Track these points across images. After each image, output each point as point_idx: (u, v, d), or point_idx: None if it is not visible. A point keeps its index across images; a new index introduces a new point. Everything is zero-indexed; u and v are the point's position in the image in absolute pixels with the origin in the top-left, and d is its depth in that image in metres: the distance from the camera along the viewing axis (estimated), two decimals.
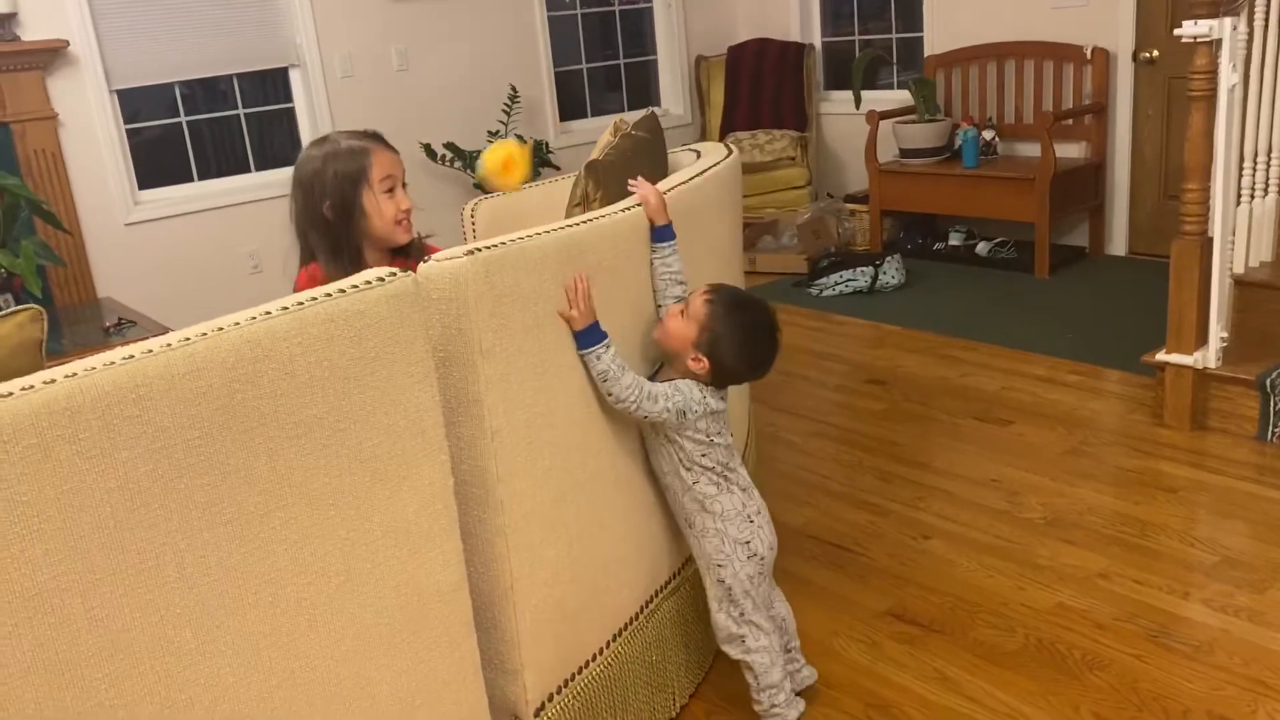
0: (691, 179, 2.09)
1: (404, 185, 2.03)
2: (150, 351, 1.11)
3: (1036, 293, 4.66)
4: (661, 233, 1.88)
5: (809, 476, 3.04)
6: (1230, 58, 2.82)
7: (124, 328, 3.56)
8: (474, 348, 1.49)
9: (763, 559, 1.88)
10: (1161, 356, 3.11)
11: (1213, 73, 2.86)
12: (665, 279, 1.90)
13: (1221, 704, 1.95)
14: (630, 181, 1.92)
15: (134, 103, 4.68)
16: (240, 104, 4.98)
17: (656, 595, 1.99)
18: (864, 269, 4.91)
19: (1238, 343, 3.07)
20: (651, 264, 1.90)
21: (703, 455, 1.83)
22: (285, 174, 5.10)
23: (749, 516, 1.87)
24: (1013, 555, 2.53)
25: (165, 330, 3.58)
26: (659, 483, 1.93)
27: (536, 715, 1.68)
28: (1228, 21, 2.78)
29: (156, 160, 4.80)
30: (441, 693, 1.48)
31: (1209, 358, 3.03)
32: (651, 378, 1.84)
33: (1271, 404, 2.92)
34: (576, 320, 1.67)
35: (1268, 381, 2.93)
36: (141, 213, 4.66)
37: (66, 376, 1.06)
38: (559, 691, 1.72)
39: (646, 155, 2.38)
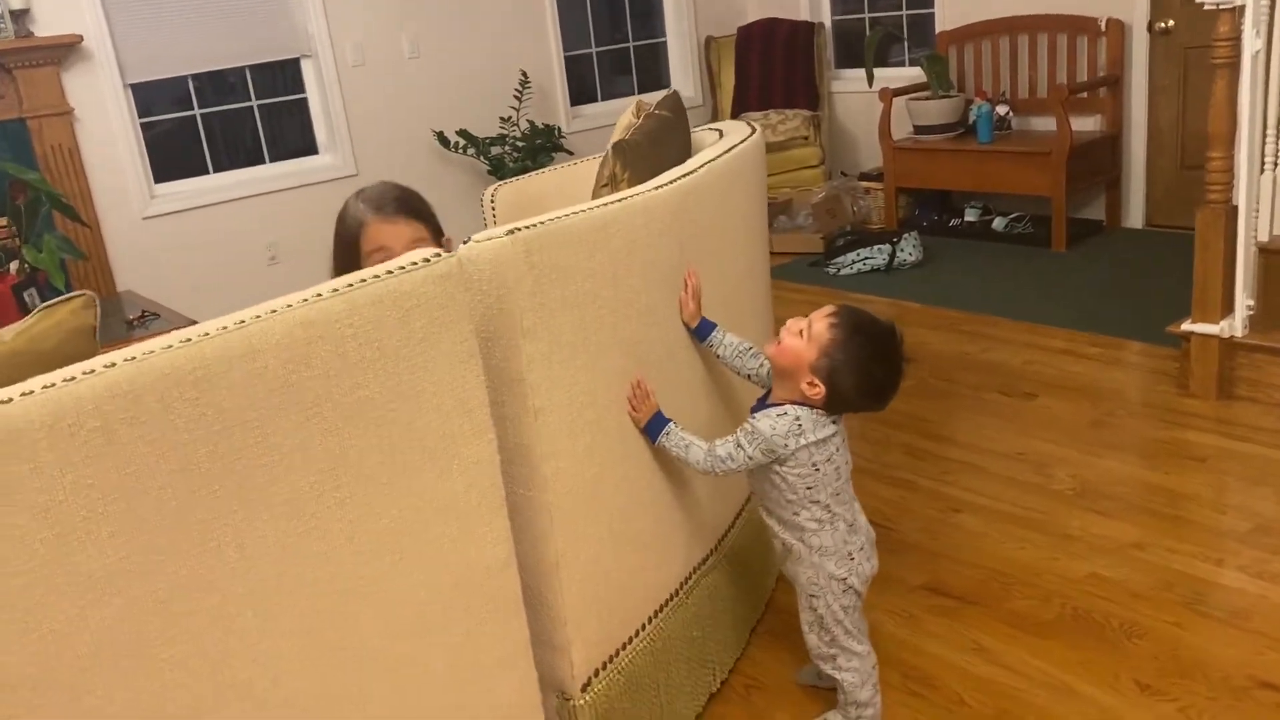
0: (719, 157, 2.08)
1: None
2: (207, 334, 1.12)
3: (1055, 266, 4.65)
4: (702, 328, 1.89)
5: None
6: (1254, 24, 2.80)
7: (147, 320, 3.58)
8: (516, 327, 1.50)
9: (859, 592, 1.82)
10: (1187, 326, 3.11)
11: (1236, 39, 2.84)
12: (737, 355, 1.89)
13: (1263, 669, 1.96)
14: (688, 274, 1.87)
15: (147, 97, 4.69)
16: (253, 95, 4.98)
17: (696, 571, 1.99)
18: (881, 247, 4.90)
19: (1263, 311, 3.06)
20: (717, 355, 1.91)
21: (808, 488, 1.73)
22: (300, 165, 5.17)
23: (849, 554, 1.78)
24: (1044, 527, 2.53)
25: (189, 322, 3.60)
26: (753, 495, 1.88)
27: (583, 690, 1.70)
28: None
29: (171, 154, 4.81)
30: (494, 670, 1.49)
31: (1235, 326, 3.02)
32: (762, 399, 1.80)
33: None
34: (640, 420, 1.73)
35: None
36: (158, 206, 4.68)
37: (126, 360, 1.07)
38: (604, 667, 1.74)
39: (672, 134, 2.38)
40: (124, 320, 3.60)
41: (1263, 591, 2.18)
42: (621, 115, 2.75)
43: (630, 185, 2.14)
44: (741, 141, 2.26)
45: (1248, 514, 2.49)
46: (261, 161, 5.05)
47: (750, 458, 1.71)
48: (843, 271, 4.93)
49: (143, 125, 4.66)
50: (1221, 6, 2.82)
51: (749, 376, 1.90)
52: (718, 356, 1.92)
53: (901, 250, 4.88)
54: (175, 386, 1.09)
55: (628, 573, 1.78)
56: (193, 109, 4.83)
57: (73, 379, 1.03)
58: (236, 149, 5.01)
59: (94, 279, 4.46)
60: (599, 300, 1.65)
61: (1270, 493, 2.58)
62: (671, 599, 1.91)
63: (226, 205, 4.87)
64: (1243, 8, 2.81)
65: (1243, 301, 3.00)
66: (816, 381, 1.68)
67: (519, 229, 1.49)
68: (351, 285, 1.26)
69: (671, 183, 1.85)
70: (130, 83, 4.55)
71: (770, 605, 2.32)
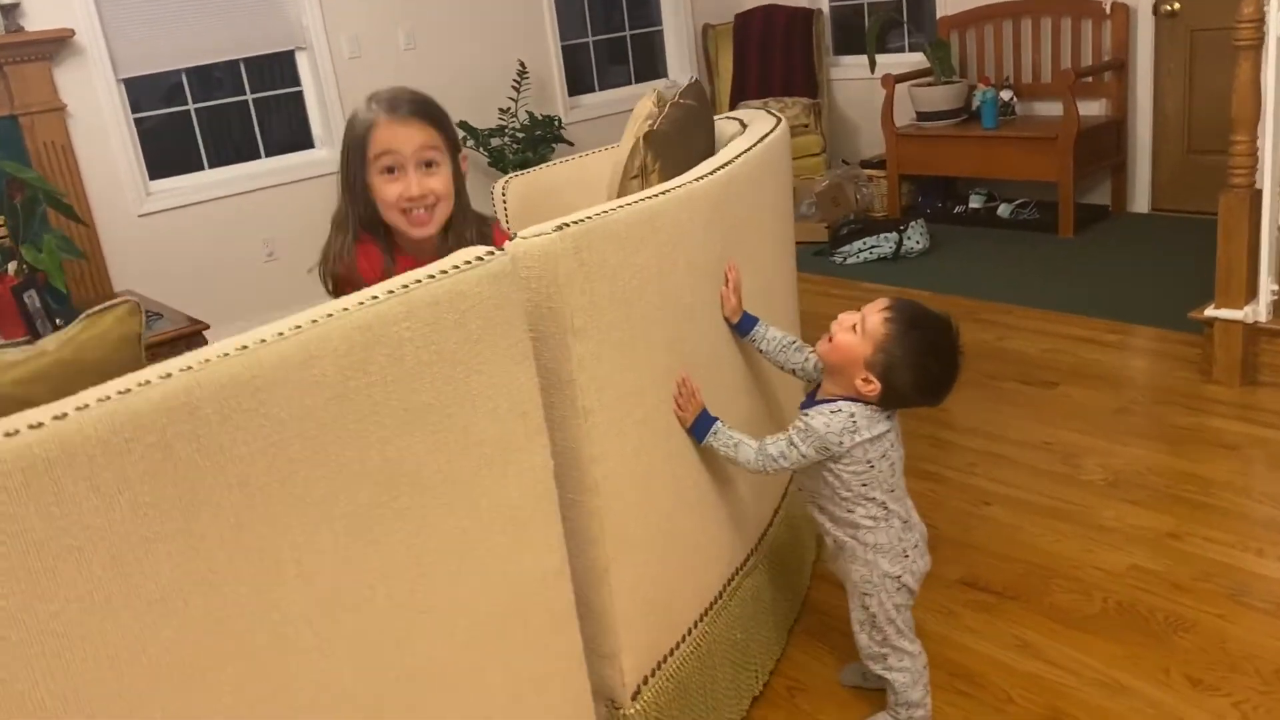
0: (753, 146, 2.03)
1: (431, 164, 1.74)
2: (263, 341, 1.07)
3: (1063, 253, 4.62)
4: (744, 323, 1.85)
5: None
6: None
7: (151, 320, 3.50)
8: (566, 326, 1.44)
9: (913, 590, 1.78)
10: (1210, 312, 3.07)
11: (1260, 21, 2.80)
12: (781, 350, 1.85)
13: None
14: (728, 268, 1.82)
15: (139, 92, 4.60)
16: (248, 89, 4.90)
17: (738, 572, 1.95)
18: (888, 235, 4.86)
19: None
20: (760, 350, 1.87)
21: (863, 484, 1.69)
22: (296, 159, 5.09)
23: (904, 551, 1.74)
24: (1077, 518, 2.50)
25: (191, 321, 3.52)
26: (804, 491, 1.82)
27: (633, 699, 1.65)
28: None
29: (165, 150, 4.72)
30: (548, 680, 1.44)
31: (1260, 311, 2.99)
32: (811, 395, 1.76)
33: None
34: (687, 419, 1.68)
35: None
36: (154, 203, 4.59)
37: (182, 370, 1.01)
38: (653, 674, 1.69)
39: (698, 124, 2.33)
40: None
41: None
42: (639, 104, 2.67)
43: (661, 176, 2.09)
44: (771, 131, 2.20)
45: None
46: (257, 156, 4.97)
47: (804, 456, 1.66)
48: (849, 260, 4.89)
49: (136, 121, 4.57)
50: None
51: (794, 371, 1.85)
52: (761, 351, 1.87)
53: (909, 238, 4.84)
54: (233, 397, 1.03)
55: (675, 576, 1.73)
56: (186, 104, 4.75)
57: (127, 391, 0.98)
58: (231, 144, 4.92)
59: (91, 278, 4.38)
60: (645, 297, 1.60)
61: None
62: (716, 601, 1.86)
63: (222, 201, 4.78)
64: None
65: (1267, 286, 2.97)
66: (872, 378, 1.63)
67: (567, 224, 1.43)
68: (407, 286, 1.20)
69: (712, 173, 1.79)
70: (123, 78, 4.46)
71: (806, 604, 2.28)
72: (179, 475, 1.00)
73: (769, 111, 2.52)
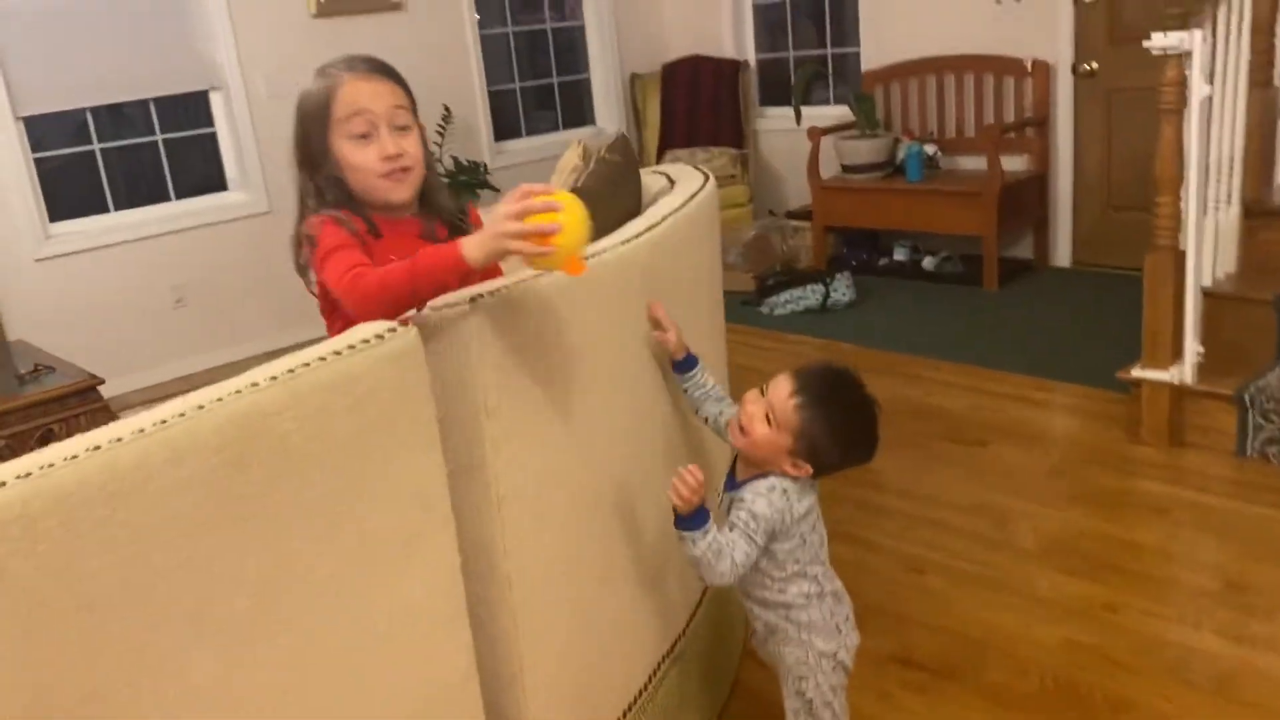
0: (682, 206, 1.94)
1: (403, 128, 1.57)
2: (119, 440, 0.93)
3: (988, 306, 4.63)
4: (685, 362, 1.74)
5: None
6: (1201, 69, 2.78)
7: (41, 374, 3.28)
8: (478, 407, 1.32)
9: (848, 669, 1.69)
10: (1137, 373, 3.06)
11: (1182, 85, 2.82)
12: (706, 397, 1.76)
13: None
14: (652, 308, 1.69)
15: (41, 130, 4.38)
16: (157, 129, 4.70)
17: (665, 658, 1.83)
18: (814, 286, 4.83)
19: (1210, 356, 3.03)
20: (687, 391, 1.76)
21: (796, 561, 1.60)
22: (208, 202, 4.89)
23: (837, 626, 1.66)
24: (1013, 587, 2.43)
25: (86, 375, 3.31)
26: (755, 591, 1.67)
27: None
28: (1198, 33, 2.74)
29: (68, 191, 4.50)
30: None
31: (1185, 373, 2.99)
32: (730, 475, 1.65)
33: (1251, 418, 2.89)
34: (684, 508, 1.49)
35: (1246, 395, 2.89)
36: (54, 247, 4.36)
37: (19, 478, 0.87)
38: None
39: (625, 181, 2.23)
40: (14, 375, 3.29)
41: (1246, 656, 2.10)
42: (565, 155, 2.58)
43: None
44: (699, 190, 2.12)
45: (1216, 571, 2.43)
46: (167, 199, 4.76)
47: (761, 548, 1.56)
48: (776, 311, 4.85)
49: (36, 160, 4.34)
50: (1169, 52, 2.80)
51: (706, 420, 1.76)
52: (686, 391, 1.76)
53: (835, 290, 4.81)
54: (82, 506, 0.89)
55: (598, 672, 1.60)
56: (92, 143, 4.53)
57: None
58: (140, 186, 4.71)
59: None
60: (569, 370, 1.48)
61: (1234, 547, 2.52)
62: (642, 693, 1.74)
63: (129, 245, 4.56)
64: (1188, 53, 2.78)
65: (1193, 348, 2.97)
66: (800, 462, 1.56)
67: (482, 295, 1.32)
68: (293, 370, 1.07)
69: (639, 236, 1.69)
70: (22, 115, 4.24)
71: (736, 687, 2.17)
72: (11, 597, 0.86)
73: (696, 168, 2.44)
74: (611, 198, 2.10)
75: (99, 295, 4.46)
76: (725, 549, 1.51)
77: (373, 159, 1.55)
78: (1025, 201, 4.97)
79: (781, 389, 1.58)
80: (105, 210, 4.59)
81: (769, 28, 6.16)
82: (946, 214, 4.96)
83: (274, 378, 1.06)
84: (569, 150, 2.54)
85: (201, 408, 0.99)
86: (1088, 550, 2.55)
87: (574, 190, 1.98)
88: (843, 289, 4.83)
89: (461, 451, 1.34)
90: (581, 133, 5.99)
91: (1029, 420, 3.35)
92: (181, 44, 4.63)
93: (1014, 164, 5.01)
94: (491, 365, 1.33)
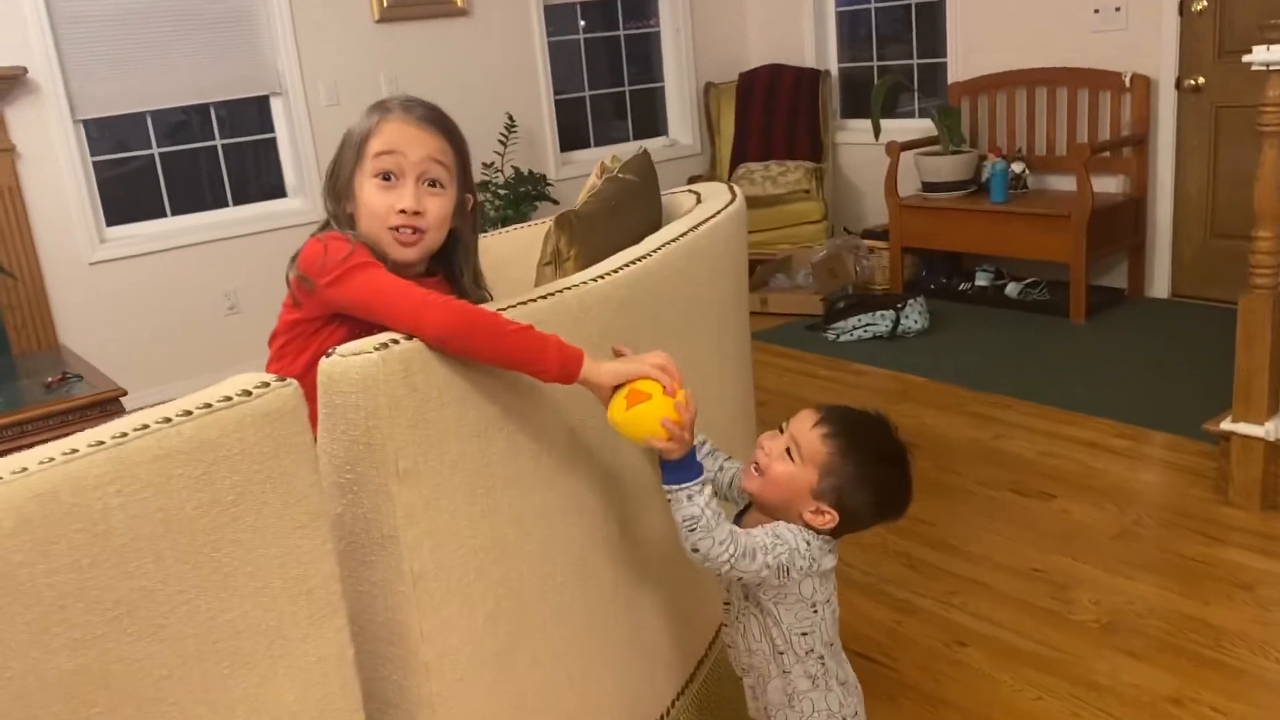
0: (684, 234, 1.74)
1: (434, 184, 1.46)
2: None
3: (1073, 339, 4.29)
4: (681, 470, 1.33)
5: None
6: None
7: (69, 383, 3.23)
8: (389, 469, 1.14)
9: None
10: (1227, 425, 2.74)
11: None
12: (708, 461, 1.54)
13: None
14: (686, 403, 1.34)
15: (101, 133, 4.38)
16: (217, 135, 4.67)
17: None
18: (884, 312, 4.55)
19: None
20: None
21: (804, 633, 1.41)
22: (266, 208, 4.84)
23: (844, 718, 1.46)
24: (1064, 670, 2.15)
25: (113, 386, 3.25)
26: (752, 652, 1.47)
27: None
28: None
29: (127, 195, 4.49)
30: None
31: None
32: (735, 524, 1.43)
33: None
34: (676, 449, 1.30)
35: None
36: (108, 251, 4.35)
37: None
38: None
39: (637, 203, 2.03)
40: (42, 383, 3.25)
41: None
42: (592, 172, 2.39)
43: (579, 265, 1.79)
44: (715, 214, 1.91)
45: None
46: (225, 204, 4.73)
47: (766, 566, 1.34)
48: (843, 338, 4.58)
49: (96, 165, 4.34)
50: (1271, 68, 2.48)
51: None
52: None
53: (906, 317, 4.52)
54: None
55: None
56: (151, 148, 4.52)
57: None
58: (198, 191, 4.69)
59: (33, 330, 4.14)
60: (508, 425, 1.29)
61: None
62: None
63: (184, 250, 4.54)
64: None
65: None
66: (824, 508, 1.36)
67: (393, 343, 1.14)
68: (124, 435, 0.90)
69: (616, 271, 1.50)
70: (81, 119, 4.24)
71: None
72: None
73: (729, 186, 2.23)
74: (614, 220, 1.90)
75: (152, 300, 4.44)
76: (727, 522, 1.33)
77: (386, 206, 1.44)
78: (1119, 226, 4.61)
79: (805, 421, 1.40)
80: (163, 215, 4.57)
81: (853, 36, 5.90)
82: (1032, 238, 4.63)
83: (100, 443, 0.89)
84: (596, 167, 2.35)
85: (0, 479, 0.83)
86: (1155, 630, 2.26)
87: (568, 213, 1.80)
88: (915, 316, 4.55)
89: (370, 520, 1.16)
90: (652, 143, 5.81)
91: (1103, 472, 3.04)
92: (244, 50, 4.59)
93: (1108, 185, 4.65)
94: (406, 422, 1.14)
